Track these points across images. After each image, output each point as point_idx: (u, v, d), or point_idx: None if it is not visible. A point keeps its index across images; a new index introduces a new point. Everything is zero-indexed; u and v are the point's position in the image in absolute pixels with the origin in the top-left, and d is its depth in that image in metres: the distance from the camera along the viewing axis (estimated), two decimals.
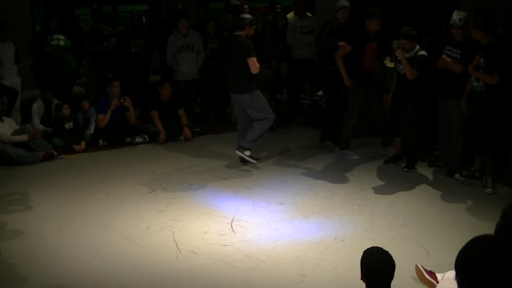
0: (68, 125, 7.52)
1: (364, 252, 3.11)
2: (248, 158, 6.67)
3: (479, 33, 5.83)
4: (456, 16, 6.15)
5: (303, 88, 8.60)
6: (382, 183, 6.33)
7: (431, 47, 6.78)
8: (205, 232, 5.16)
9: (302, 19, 8.69)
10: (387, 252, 3.06)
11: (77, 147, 7.40)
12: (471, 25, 5.94)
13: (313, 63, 8.74)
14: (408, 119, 6.49)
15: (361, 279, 3.04)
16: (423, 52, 6.36)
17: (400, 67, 6.48)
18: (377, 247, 3.15)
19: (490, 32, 5.85)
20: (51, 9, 10.43)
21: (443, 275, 3.94)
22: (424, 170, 6.64)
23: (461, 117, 6.19)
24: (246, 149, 6.69)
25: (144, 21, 12.06)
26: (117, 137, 7.67)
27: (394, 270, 2.99)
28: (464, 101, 6.06)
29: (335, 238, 5.01)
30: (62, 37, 8.20)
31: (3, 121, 7.10)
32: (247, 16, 6.87)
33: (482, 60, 5.82)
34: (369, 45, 6.78)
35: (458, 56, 6.19)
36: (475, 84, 5.94)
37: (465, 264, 1.66)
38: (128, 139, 7.69)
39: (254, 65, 6.50)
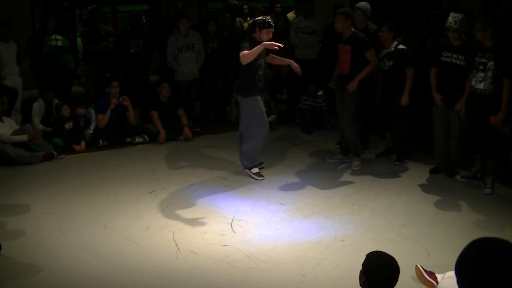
0: (68, 125, 7.52)
1: (368, 256, 2.91)
2: (254, 177, 6.38)
3: (488, 34, 5.58)
4: (451, 18, 5.88)
5: (307, 89, 8.55)
6: (382, 183, 6.33)
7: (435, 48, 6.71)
8: (205, 232, 5.16)
9: (306, 19, 8.63)
10: (392, 257, 2.90)
11: (77, 147, 7.40)
12: (479, 27, 5.63)
13: (316, 64, 8.72)
14: (399, 113, 6.59)
15: (361, 285, 2.85)
16: (402, 46, 6.38)
17: (387, 64, 6.48)
18: (381, 252, 2.96)
19: (498, 34, 5.63)
20: (50, 9, 10.42)
21: (443, 275, 3.94)
22: (424, 170, 6.62)
23: (460, 121, 6.11)
24: (250, 168, 6.46)
25: (144, 21, 12.06)
26: (117, 137, 7.67)
27: (398, 275, 2.84)
28: (464, 106, 5.93)
29: (335, 238, 5.01)
30: (60, 37, 8.19)
31: (3, 121, 7.10)
32: (259, 18, 6.23)
33: (491, 63, 5.59)
34: (339, 46, 6.56)
35: (460, 62, 5.94)
36: (480, 87, 5.72)
37: (465, 268, 1.66)
38: (128, 139, 7.68)
39: (241, 57, 6.01)
